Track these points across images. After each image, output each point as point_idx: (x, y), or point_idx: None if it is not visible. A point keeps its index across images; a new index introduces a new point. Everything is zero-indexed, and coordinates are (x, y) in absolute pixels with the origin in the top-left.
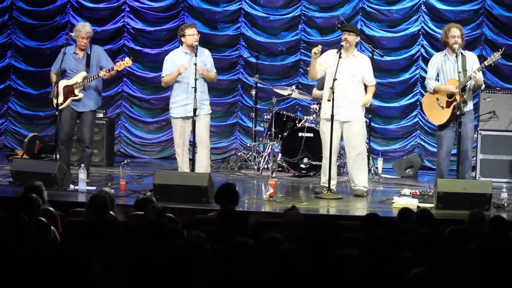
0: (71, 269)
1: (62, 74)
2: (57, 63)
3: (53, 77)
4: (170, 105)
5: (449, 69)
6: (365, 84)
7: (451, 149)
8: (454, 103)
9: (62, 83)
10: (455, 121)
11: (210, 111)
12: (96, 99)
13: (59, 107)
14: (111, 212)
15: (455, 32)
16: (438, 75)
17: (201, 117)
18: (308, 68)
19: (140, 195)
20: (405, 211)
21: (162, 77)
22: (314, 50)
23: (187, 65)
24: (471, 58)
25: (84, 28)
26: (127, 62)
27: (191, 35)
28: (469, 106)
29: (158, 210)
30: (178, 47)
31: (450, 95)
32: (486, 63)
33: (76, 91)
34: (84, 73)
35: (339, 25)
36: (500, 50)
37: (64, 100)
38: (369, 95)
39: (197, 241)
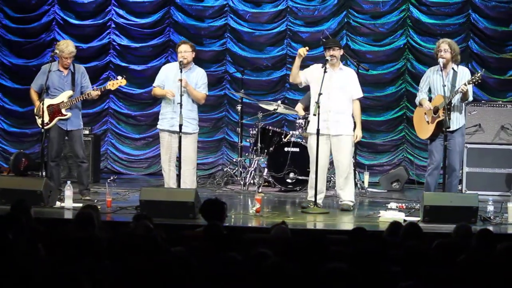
0: (59, 287)
1: (45, 92)
2: (40, 80)
3: (33, 94)
4: (159, 116)
5: (438, 83)
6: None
7: (439, 164)
8: (438, 119)
9: (46, 102)
10: (442, 135)
11: (197, 130)
12: (80, 118)
13: (45, 127)
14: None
15: (442, 47)
16: (430, 89)
17: (187, 134)
18: (291, 69)
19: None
20: (395, 224)
21: (153, 86)
22: (300, 51)
23: (174, 93)
24: (463, 73)
25: (67, 48)
26: (121, 81)
27: (180, 52)
28: (461, 121)
29: (146, 226)
30: (165, 63)
31: (435, 111)
32: (467, 83)
33: (63, 111)
34: (70, 92)
35: (324, 40)
36: (480, 71)
37: (51, 120)
38: (359, 130)
39: (184, 256)
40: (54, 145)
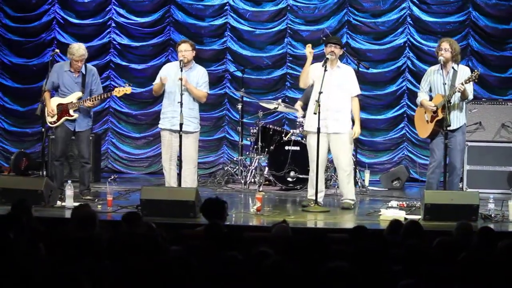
0: (60, 286)
1: (56, 90)
2: (51, 78)
3: (46, 93)
4: (160, 115)
5: (438, 82)
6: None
7: (441, 162)
8: (437, 118)
9: (56, 100)
10: (442, 133)
11: (198, 129)
12: (88, 120)
13: (52, 126)
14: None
15: (443, 46)
16: (430, 88)
17: (188, 133)
18: (301, 73)
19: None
20: (395, 223)
21: (153, 84)
22: (308, 52)
23: (167, 77)
24: (463, 72)
25: (78, 52)
26: (126, 89)
27: (180, 51)
28: (461, 119)
29: (148, 225)
30: (165, 62)
31: (435, 110)
32: (464, 82)
33: (71, 111)
34: (79, 94)
35: (324, 38)
36: (476, 70)
37: (58, 119)
38: (357, 127)
39: (183, 256)
40: (59, 144)
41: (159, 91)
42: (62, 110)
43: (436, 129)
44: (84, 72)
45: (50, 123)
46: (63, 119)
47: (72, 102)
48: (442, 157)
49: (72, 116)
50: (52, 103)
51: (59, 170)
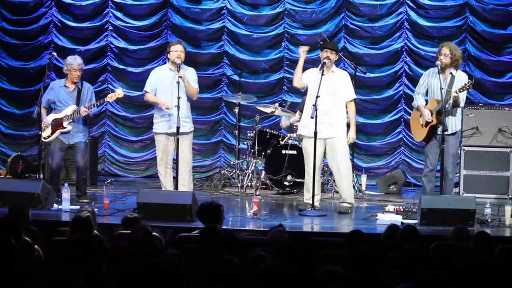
0: None
1: (50, 105)
2: (47, 96)
3: (43, 111)
4: (153, 120)
5: (435, 86)
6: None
7: (435, 166)
8: (431, 124)
9: (51, 117)
10: (436, 137)
11: (192, 129)
12: (84, 132)
13: (46, 140)
14: (95, 231)
15: (443, 51)
16: (427, 90)
17: (184, 135)
18: (294, 72)
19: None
20: (392, 227)
21: (145, 91)
22: (303, 49)
23: (169, 105)
24: (460, 79)
25: (75, 61)
26: (118, 94)
27: (173, 51)
28: (456, 125)
29: (145, 229)
30: (165, 63)
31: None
32: (458, 90)
33: (65, 123)
34: (74, 106)
35: (321, 42)
36: (471, 80)
37: (52, 133)
38: (352, 132)
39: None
40: (54, 159)
41: (152, 102)
42: (57, 123)
43: (430, 133)
44: (80, 87)
45: (45, 138)
46: (57, 132)
47: (66, 115)
48: (436, 161)
49: (65, 128)
50: (48, 118)
51: (55, 183)
